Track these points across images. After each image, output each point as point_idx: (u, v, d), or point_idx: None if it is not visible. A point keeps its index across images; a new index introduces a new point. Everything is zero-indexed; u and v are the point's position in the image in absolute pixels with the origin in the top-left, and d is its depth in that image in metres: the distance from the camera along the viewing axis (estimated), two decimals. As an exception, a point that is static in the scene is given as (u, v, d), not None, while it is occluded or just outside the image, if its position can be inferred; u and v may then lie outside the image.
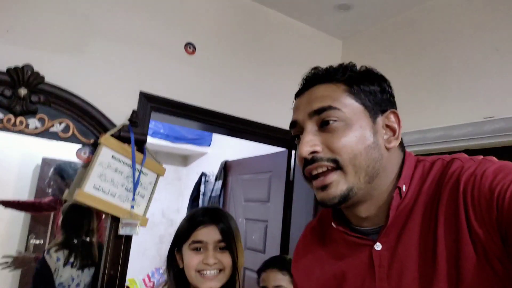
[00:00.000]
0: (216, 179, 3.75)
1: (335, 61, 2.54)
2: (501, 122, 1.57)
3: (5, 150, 2.19)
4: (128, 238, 1.73)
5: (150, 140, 4.03)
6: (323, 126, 0.70)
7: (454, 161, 0.68)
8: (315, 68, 0.77)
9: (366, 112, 0.72)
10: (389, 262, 0.67)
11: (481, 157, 0.67)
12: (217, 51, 2.16)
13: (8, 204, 2.03)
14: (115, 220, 1.69)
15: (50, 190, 2.10)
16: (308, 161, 0.69)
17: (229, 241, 1.16)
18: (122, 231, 1.66)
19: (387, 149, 0.72)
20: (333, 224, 0.79)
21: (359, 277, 0.70)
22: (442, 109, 1.85)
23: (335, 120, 0.69)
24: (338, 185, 0.68)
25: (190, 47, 2.05)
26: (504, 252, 0.54)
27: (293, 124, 0.75)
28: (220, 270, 1.13)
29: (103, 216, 1.86)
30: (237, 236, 1.19)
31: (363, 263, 0.70)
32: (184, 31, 2.05)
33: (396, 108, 0.77)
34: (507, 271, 0.54)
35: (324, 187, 0.68)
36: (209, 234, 1.15)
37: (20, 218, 2.42)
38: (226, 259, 1.14)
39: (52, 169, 1.83)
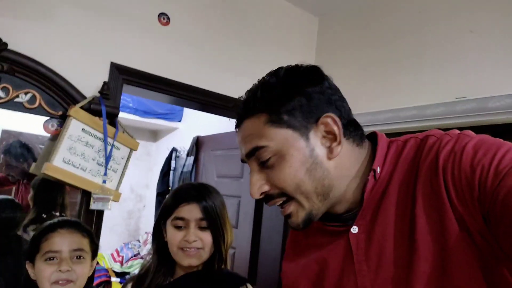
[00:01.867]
0: (187, 155, 3.71)
1: (311, 39, 2.52)
2: (473, 102, 1.62)
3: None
4: (100, 213, 1.69)
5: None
6: (262, 164, 0.70)
7: (428, 137, 0.66)
8: (243, 101, 0.75)
9: (295, 134, 0.68)
10: (366, 243, 0.67)
11: (457, 131, 0.65)
12: (192, 23, 2.09)
13: None
14: (86, 195, 1.65)
15: (5, 168, 1.99)
16: (264, 199, 0.71)
17: (211, 219, 1.14)
18: (93, 205, 1.62)
19: (331, 159, 0.68)
20: None
21: (339, 262, 0.71)
22: (415, 89, 1.88)
23: (269, 157, 0.68)
24: (298, 213, 0.70)
25: (164, 18, 1.97)
26: (485, 227, 0.55)
27: (242, 161, 0.77)
28: (199, 248, 1.13)
29: (69, 190, 1.79)
30: (222, 214, 1.18)
31: (342, 248, 0.71)
32: (157, 0, 1.96)
33: (333, 104, 0.70)
34: (488, 245, 0.55)
35: (288, 216, 0.71)
36: (191, 212, 1.13)
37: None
38: (206, 237, 1.13)
39: (6, 147, 1.72)
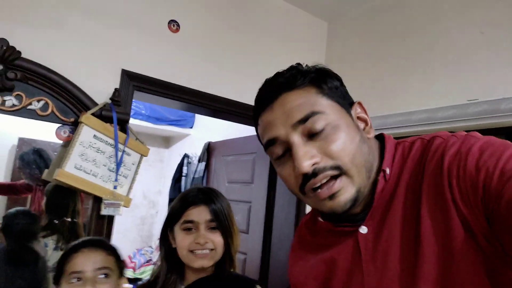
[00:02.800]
0: (199, 161, 3.73)
1: (321, 43, 2.51)
2: (485, 104, 1.59)
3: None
4: (111, 219, 1.71)
5: (131, 121, 3.97)
6: (312, 134, 0.65)
7: (435, 138, 0.66)
8: (275, 76, 0.72)
9: (342, 109, 0.69)
10: (374, 244, 0.67)
11: (464, 132, 0.65)
12: (201, 30, 2.11)
13: None
14: (97, 201, 1.66)
15: (22, 174, 2.03)
16: (309, 176, 0.64)
17: (220, 221, 1.15)
18: (105, 211, 1.63)
19: (369, 139, 0.71)
20: (320, 219, 0.79)
21: (348, 261, 0.71)
22: (426, 92, 1.86)
23: (324, 126, 0.65)
24: (347, 189, 0.65)
25: (174, 25, 1.99)
26: (489, 229, 0.54)
27: (272, 141, 0.69)
28: (212, 250, 1.13)
29: (83, 197, 1.82)
30: (229, 216, 1.19)
31: (351, 248, 0.71)
32: (167, 8, 1.99)
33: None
34: (493, 247, 0.55)
35: (332, 196, 0.65)
36: (200, 214, 1.14)
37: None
38: (217, 238, 1.14)
39: (20, 154, 1.76)
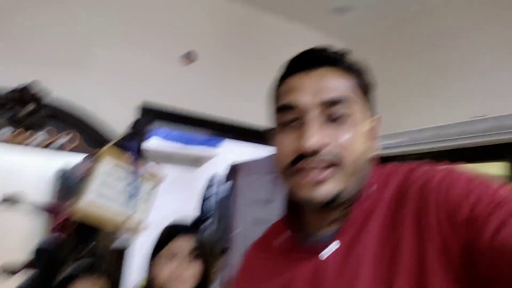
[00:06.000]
0: (224, 181, 3.82)
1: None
2: (491, 121, 1.59)
3: (21, 161, 2.28)
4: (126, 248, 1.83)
5: (160, 143, 4.11)
6: (332, 118, 0.63)
7: (420, 166, 0.66)
8: (322, 47, 0.69)
9: (367, 112, 0.68)
10: (344, 259, 0.63)
11: (447, 164, 0.64)
12: (217, 60, 2.23)
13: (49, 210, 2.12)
14: (113, 233, 1.79)
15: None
16: (307, 154, 0.61)
17: (202, 250, 1.23)
18: (117, 243, 1.77)
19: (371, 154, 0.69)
20: (289, 232, 0.73)
21: (309, 281, 0.66)
22: (432, 110, 1.87)
23: (346, 115, 0.63)
24: (335, 182, 0.62)
25: (189, 56, 2.11)
26: (467, 258, 0.53)
27: (289, 107, 0.64)
28: (189, 279, 1.19)
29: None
30: (212, 247, 1.26)
31: (312, 267, 0.66)
32: (183, 39, 2.12)
33: None
34: (469, 276, 0.53)
35: (319, 182, 0.61)
36: (182, 244, 1.22)
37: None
38: (194, 269, 1.21)
39: (59, 179, 1.91)
